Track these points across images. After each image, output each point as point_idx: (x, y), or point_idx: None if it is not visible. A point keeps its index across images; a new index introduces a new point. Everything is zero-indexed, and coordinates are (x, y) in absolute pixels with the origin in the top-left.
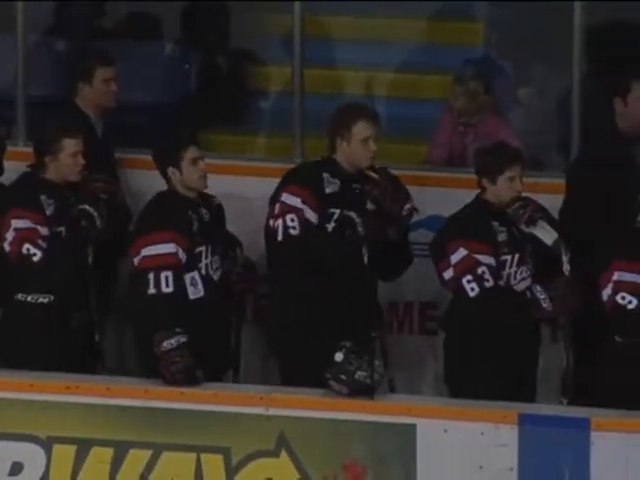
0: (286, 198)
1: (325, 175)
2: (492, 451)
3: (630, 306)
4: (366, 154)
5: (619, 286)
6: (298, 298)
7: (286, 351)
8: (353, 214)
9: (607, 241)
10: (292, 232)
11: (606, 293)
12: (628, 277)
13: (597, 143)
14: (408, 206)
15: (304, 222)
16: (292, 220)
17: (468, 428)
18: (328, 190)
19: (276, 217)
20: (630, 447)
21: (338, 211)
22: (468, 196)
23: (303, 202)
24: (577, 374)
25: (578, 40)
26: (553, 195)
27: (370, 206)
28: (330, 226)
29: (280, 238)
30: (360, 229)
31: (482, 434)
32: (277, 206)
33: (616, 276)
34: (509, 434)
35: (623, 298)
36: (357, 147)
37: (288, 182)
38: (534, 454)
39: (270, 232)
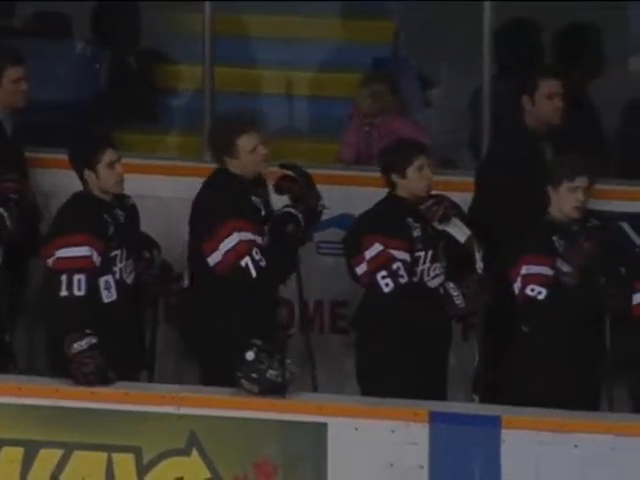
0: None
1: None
2: (403, 449)
3: (540, 297)
4: (257, 160)
5: (528, 279)
6: (214, 298)
7: (203, 352)
8: (292, 210)
9: (516, 237)
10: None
11: (517, 287)
12: (536, 270)
13: (506, 141)
14: (321, 203)
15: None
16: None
17: (379, 426)
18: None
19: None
20: (540, 445)
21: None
22: (377, 195)
23: None
24: (488, 371)
25: (488, 40)
26: (464, 193)
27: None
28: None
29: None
30: (302, 224)
31: (393, 432)
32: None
33: (524, 270)
34: (420, 432)
35: (532, 290)
36: (247, 158)
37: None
38: (445, 452)
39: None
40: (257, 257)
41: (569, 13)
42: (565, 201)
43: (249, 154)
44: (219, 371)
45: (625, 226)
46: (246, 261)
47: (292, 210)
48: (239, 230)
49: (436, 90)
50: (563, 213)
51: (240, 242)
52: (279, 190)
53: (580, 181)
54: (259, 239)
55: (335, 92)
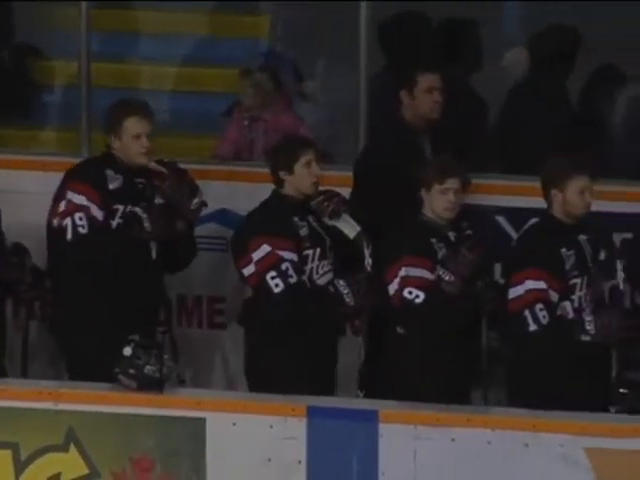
0: (72, 196)
1: (108, 171)
2: (281, 444)
3: (417, 300)
4: (138, 150)
5: (406, 281)
6: (83, 296)
7: (73, 351)
8: (138, 209)
9: (395, 235)
10: (81, 231)
11: (393, 288)
12: (414, 272)
13: (384, 135)
14: (197, 200)
15: (91, 220)
16: (80, 219)
17: (257, 421)
18: (112, 186)
19: (63, 216)
20: (417, 440)
21: (122, 207)
22: (256, 190)
23: (88, 200)
24: (373, 368)
25: (364, 35)
26: (341, 188)
27: (158, 200)
28: (115, 222)
29: (69, 237)
30: (146, 225)
31: (271, 427)
32: (62, 204)
33: (403, 271)
34: (298, 427)
35: (410, 293)
36: (129, 143)
37: (71, 179)
38: (323, 447)
39: (54, 231)
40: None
41: (446, 9)
42: (437, 202)
43: (133, 140)
44: (86, 368)
45: (501, 220)
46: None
47: (138, 211)
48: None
49: (312, 84)
50: (435, 214)
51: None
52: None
53: (451, 183)
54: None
55: (212, 87)
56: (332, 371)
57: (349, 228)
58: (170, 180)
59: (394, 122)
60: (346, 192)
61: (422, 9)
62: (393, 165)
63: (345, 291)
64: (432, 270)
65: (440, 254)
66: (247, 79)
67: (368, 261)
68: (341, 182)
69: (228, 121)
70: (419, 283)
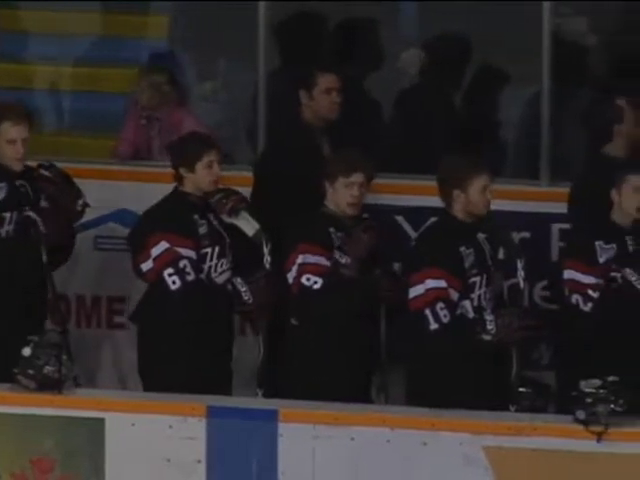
0: None
1: None
2: (180, 444)
3: (316, 286)
4: (13, 155)
5: (304, 268)
6: None
7: None
8: (31, 213)
9: (293, 227)
10: None
11: (291, 275)
12: (312, 259)
13: (284, 135)
14: (80, 202)
15: None
16: None
17: (156, 421)
18: None
19: None
20: (317, 439)
21: (9, 215)
22: (155, 190)
23: None
24: (272, 366)
25: (263, 35)
26: (242, 188)
27: (44, 204)
28: (4, 230)
29: None
30: (42, 228)
31: (170, 427)
32: None
33: (300, 259)
34: (197, 426)
35: (308, 279)
36: (4, 148)
37: None
38: (222, 446)
39: None
40: None
41: (345, 8)
42: (341, 196)
43: (8, 145)
44: None
45: (401, 220)
46: None
47: (31, 215)
48: None
49: (212, 84)
50: (339, 208)
51: None
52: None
53: (356, 177)
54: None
55: (110, 87)
56: (228, 369)
57: (248, 226)
58: (56, 183)
59: (293, 122)
60: (246, 192)
61: (319, 9)
62: (292, 165)
63: (243, 289)
64: (329, 257)
65: (338, 243)
66: (144, 79)
67: (267, 259)
68: (241, 182)
69: (125, 121)
70: (317, 270)
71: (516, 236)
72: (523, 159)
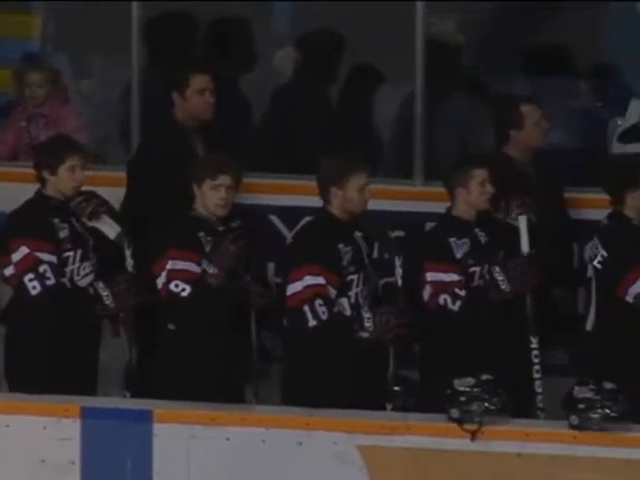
0: None
1: None
2: (54, 445)
3: (183, 293)
4: None
5: (173, 274)
6: None
7: None
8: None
9: (163, 229)
10: None
11: (161, 281)
12: (181, 265)
13: (157, 136)
14: None
15: None
16: None
17: (30, 422)
18: None
19: None
20: (193, 439)
21: None
22: (23, 190)
23: None
24: (141, 366)
25: (136, 34)
26: (115, 188)
27: None
28: None
29: None
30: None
31: (45, 428)
32: None
33: (170, 264)
34: (71, 427)
35: (177, 286)
36: None
37: None
38: (97, 447)
39: None
40: None
41: (218, 8)
42: (208, 199)
43: None
44: None
45: (274, 219)
46: None
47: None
48: None
49: (88, 83)
50: (207, 210)
51: None
52: None
53: (223, 179)
54: None
55: None
56: (93, 372)
57: (109, 229)
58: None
59: (166, 122)
60: (120, 192)
61: (192, 9)
62: (165, 166)
63: (104, 293)
64: (199, 263)
65: (208, 248)
66: (24, 79)
67: (129, 262)
68: (113, 182)
69: (5, 122)
70: (185, 276)
71: (391, 235)
72: (397, 159)
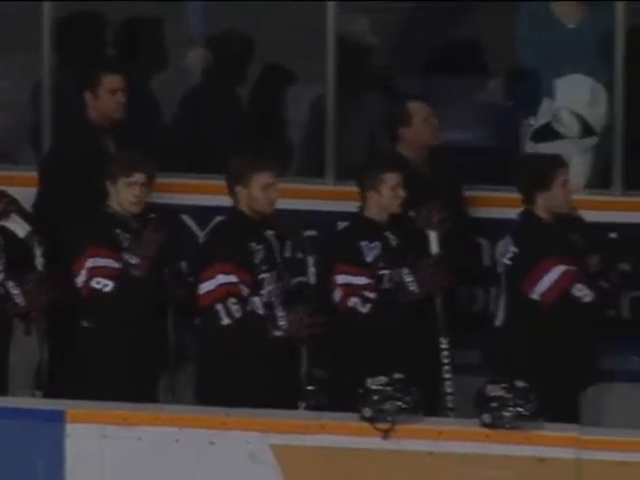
0: None
1: None
2: None
3: (106, 289)
4: None
5: (93, 272)
6: None
7: None
8: None
9: (79, 228)
10: None
11: (81, 279)
12: (101, 262)
13: (69, 135)
14: None
15: None
16: None
17: None
18: None
19: None
20: (105, 439)
21: None
22: None
23: None
24: (52, 365)
25: (47, 35)
26: (26, 188)
27: None
28: None
29: None
30: None
31: None
32: None
33: (90, 263)
34: None
35: (98, 283)
36: None
37: None
38: (8, 447)
39: None
40: None
41: (130, 7)
42: (123, 196)
43: None
44: None
45: (186, 219)
46: None
47: None
48: None
49: (2, 84)
50: (122, 207)
51: None
52: None
53: (137, 177)
54: None
55: None
56: (4, 370)
57: (19, 228)
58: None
59: (78, 122)
60: (31, 192)
61: (103, 8)
62: (78, 165)
63: (15, 292)
64: (118, 259)
65: (125, 244)
66: None
67: (39, 261)
68: (26, 182)
69: None
70: (106, 272)
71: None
72: (309, 158)
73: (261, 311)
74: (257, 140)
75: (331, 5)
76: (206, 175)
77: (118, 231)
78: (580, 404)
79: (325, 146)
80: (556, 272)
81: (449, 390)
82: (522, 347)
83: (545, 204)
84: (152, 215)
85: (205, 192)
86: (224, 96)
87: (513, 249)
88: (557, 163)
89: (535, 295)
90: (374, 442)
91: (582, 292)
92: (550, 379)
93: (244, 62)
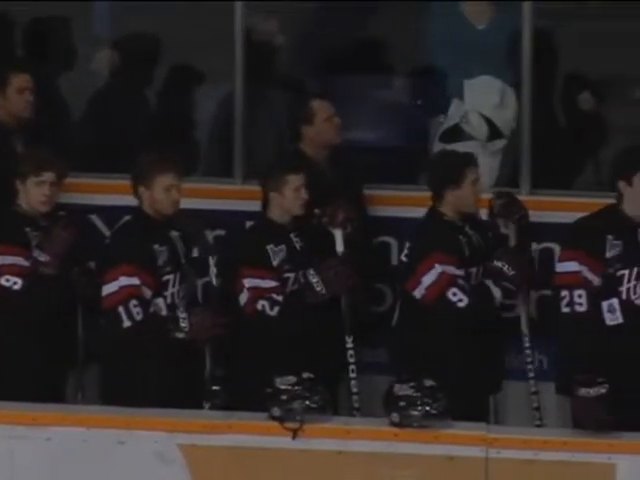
0: None
1: None
2: None
3: (15, 287)
4: None
5: (2, 270)
6: None
7: None
8: None
9: None
10: None
11: None
12: (9, 260)
13: None
14: None
15: None
16: None
17: None
18: None
19: None
20: (13, 439)
21: None
22: None
23: None
24: None
25: None
26: None
27: None
28: None
29: None
30: None
31: None
32: None
33: None
34: None
35: (7, 280)
36: None
37: None
38: None
39: None
40: None
41: (38, 8)
42: (32, 195)
43: None
44: None
45: (94, 219)
46: None
47: None
48: None
49: None
50: (31, 206)
51: None
52: None
53: (47, 176)
54: None
55: None
56: None
57: None
58: None
59: None
60: None
61: (9, 8)
62: None
63: None
64: (27, 257)
65: (34, 243)
66: None
67: None
68: None
69: None
70: (15, 270)
71: (210, 234)
72: (217, 158)
73: (165, 312)
74: (164, 140)
75: (239, 5)
76: (114, 175)
77: (27, 229)
78: (487, 404)
79: (234, 146)
80: (434, 273)
81: (354, 390)
82: (413, 344)
83: (453, 202)
84: (62, 213)
85: (113, 192)
86: (132, 97)
87: (409, 245)
88: (469, 161)
89: (417, 293)
90: (283, 441)
91: (456, 297)
92: (444, 379)
93: (151, 62)
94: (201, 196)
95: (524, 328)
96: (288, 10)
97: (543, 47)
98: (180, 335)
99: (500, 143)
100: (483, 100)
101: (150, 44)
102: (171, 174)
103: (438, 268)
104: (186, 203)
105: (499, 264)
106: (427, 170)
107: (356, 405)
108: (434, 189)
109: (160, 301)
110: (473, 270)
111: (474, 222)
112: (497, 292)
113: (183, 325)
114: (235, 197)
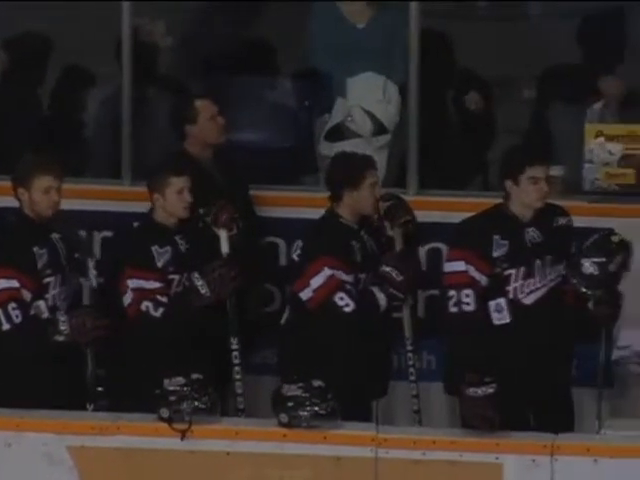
0: None
1: None
2: None
3: None
4: None
5: None
6: None
7: None
8: None
9: None
10: None
11: None
12: None
13: None
14: None
15: None
16: None
17: None
18: None
19: None
20: None
21: None
22: None
23: None
24: None
25: None
26: None
27: None
28: None
29: None
30: None
31: None
32: None
33: None
34: None
35: None
36: None
37: None
38: None
39: None
40: None
41: None
42: None
43: None
44: None
45: None
46: None
47: None
48: None
49: None
50: None
51: None
52: None
53: None
54: None
55: None
56: None
57: None
58: None
59: None
60: None
61: None
62: None
63: None
64: None
65: None
66: None
67: None
68: None
69: None
70: None
71: (98, 235)
72: (106, 159)
73: (46, 315)
74: (54, 142)
75: (126, 5)
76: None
77: None
78: (370, 408)
79: (121, 146)
80: (323, 276)
81: (239, 391)
82: (302, 347)
83: (351, 204)
84: None
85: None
86: (22, 98)
87: (301, 245)
88: (368, 164)
89: (304, 295)
90: (171, 442)
91: (343, 301)
92: (329, 381)
93: (41, 64)
94: (89, 197)
95: (407, 332)
96: (175, 10)
97: (432, 47)
98: (60, 338)
99: (385, 138)
100: (366, 96)
101: (40, 45)
102: (50, 176)
103: (327, 271)
104: (74, 204)
105: (387, 269)
106: (327, 170)
107: (241, 407)
108: (332, 190)
109: (41, 303)
110: (363, 276)
111: (370, 227)
112: (382, 299)
113: (63, 328)
114: (123, 198)
